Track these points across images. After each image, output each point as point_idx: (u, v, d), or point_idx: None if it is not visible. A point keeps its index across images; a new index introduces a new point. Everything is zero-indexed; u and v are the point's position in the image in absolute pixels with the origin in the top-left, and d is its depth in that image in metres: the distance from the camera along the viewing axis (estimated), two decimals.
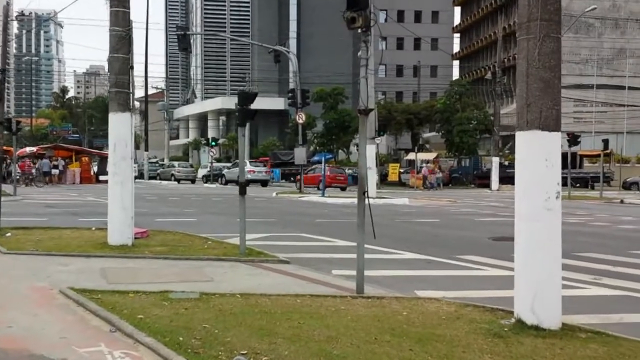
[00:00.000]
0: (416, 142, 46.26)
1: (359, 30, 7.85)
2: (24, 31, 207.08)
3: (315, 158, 47.40)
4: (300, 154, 29.32)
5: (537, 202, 5.81)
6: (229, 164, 48.75)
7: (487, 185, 39.87)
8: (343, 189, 37.43)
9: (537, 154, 5.85)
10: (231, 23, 75.68)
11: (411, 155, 44.82)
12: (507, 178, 41.42)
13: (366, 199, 7.79)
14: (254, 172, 41.51)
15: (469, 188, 43.71)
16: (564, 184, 32.61)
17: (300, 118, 29.45)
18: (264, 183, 42.52)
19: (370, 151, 24.65)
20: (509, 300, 7.21)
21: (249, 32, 72.10)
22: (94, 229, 12.70)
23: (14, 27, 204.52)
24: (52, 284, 7.54)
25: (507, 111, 56.06)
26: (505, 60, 46.37)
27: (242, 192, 10.33)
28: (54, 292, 7.14)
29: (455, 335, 5.58)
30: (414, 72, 72.47)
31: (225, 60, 78.26)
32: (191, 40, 70.81)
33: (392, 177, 42.90)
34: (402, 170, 45.15)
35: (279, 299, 7.01)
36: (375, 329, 5.75)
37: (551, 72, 5.85)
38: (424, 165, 41.88)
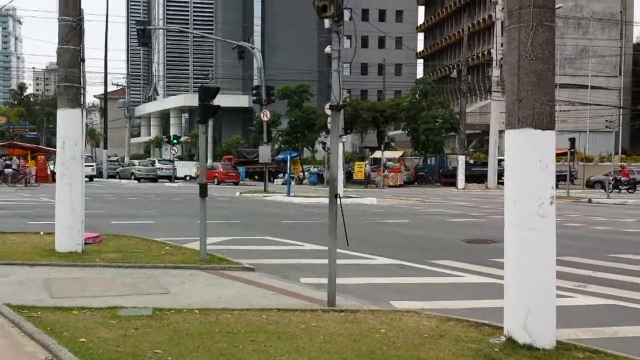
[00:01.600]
0: (382, 140, 45.89)
1: (331, 20, 7.19)
2: None
3: (280, 156, 46.69)
4: (265, 153, 28.56)
5: (529, 208, 5.24)
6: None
7: (454, 184, 39.72)
8: (236, 183, 43.25)
9: (530, 155, 5.28)
10: (194, 19, 74.25)
11: (377, 154, 44.43)
12: (473, 177, 41.45)
13: (338, 202, 7.11)
14: (162, 169, 49.26)
15: (435, 187, 43.52)
16: None
17: (265, 116, 28.67)
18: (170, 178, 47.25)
19: (339, 149, 24.00)
20: (492, 313, 6.68)
21: (212, 28, 70.84)
22: (42, 233, 11.78)
23: None
24: None
25: (473, 110, 56.25)
26: (470, 59, 46.34)
27: (203, 194, 9.59)
28: None
29: (441, 358, 4.97)
30: (379, 70, 72.23)
31: (189, 57, 76.80)
32: (153, 37, 69.43)
33: (358, 175, 42.46)
34: (367, 169, 44.79)
35: (242, 315, 6.32)
36: (352, 352, 5.10)
37: (545, 65, 5.30)
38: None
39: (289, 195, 25.85)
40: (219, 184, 42.93)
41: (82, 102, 9.71)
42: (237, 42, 30.66)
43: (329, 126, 23.43)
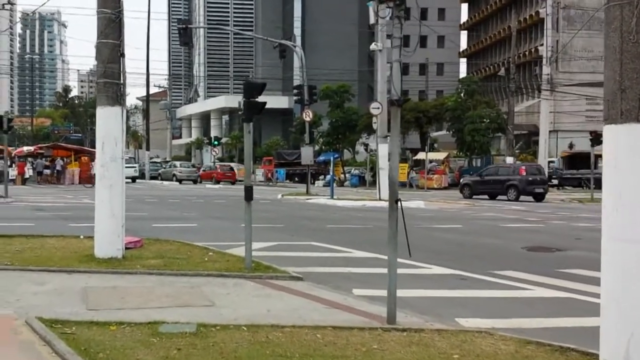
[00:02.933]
0: (425, 141, 44.83)
1: (391, 5, 6.47)
2: (28, 31, 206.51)
3: (321, 158, 46.08)
4: (307, 154, 27.93)
5: (636, 216, 4.44)
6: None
7: None
8: (233, 183, 45.08)
9: (636, 154, 4.48)
10: (234, 19, 74.31)
11: (420, 155, 43.42)
12: None
13: (399, 207, 6.40)
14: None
15: None
16: (588, 185, 30.74)
17: (308, 116, 28.04)
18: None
19: (383, 150, 23.30)
20: (573, 334, 5.91)
21: (252, 28, 70.73)
22: (82, 237, 11.35)
23: (18, 27, 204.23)
24: (19, 311, 6.20)
25: (519, 109, 54.66)
26: (516, 57, 44.93)
27: (249, 197, 8.98)
28: (19, 324, 5.79)
29: None
30: (420, 70, 71.06)
31: (229, 58, 76.95)
32: (194, 36, 69.60)
33: (401, 177, 41.46)
34: (409, 171, 43.78)
35: (294, 333, 5.67)
36: None
37: None
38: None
39: (331, 197, 25.17)
40: (217, 183, 45.49)
41: (121, 100, 9.22)
42: (279, 40, 30.14)
43: (374, 126, 22.68)
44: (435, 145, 50.47)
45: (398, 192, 6.58)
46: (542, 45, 46.04)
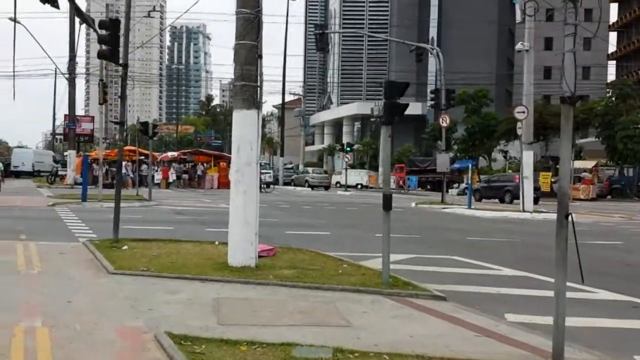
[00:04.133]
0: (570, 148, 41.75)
1: None
2: (176, 43, 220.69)
3: (456, 165, 44.39)
4: (443, 161, 26.74)
5: None
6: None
7: None
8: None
9: None
10: (369, 25, 74.14)
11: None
12: None
13: (569, 223, 5.41)
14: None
15: (634, 201, 38.61)
16: None
17: (445, 121, 26.86)
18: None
19: (528, 158, 21.67)
20: None
21: (387, 34, 70.13)
22: (217, 243, 11.24)
23: (167, 39, 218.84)
24: (149, 324, 5.93)
25: None
26: None
27: (387, 206, 8.27)
28: (147, 338, 5.50)
29: None
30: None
31: (362, 65, 76.95)
32: (329, 43, 70.30)
33: (544, 187, 38.86)
34: (553, 180, 40.93)
35: None
36: None
37: None
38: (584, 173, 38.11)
39: (469, 207, 23.84)
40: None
41: (258, 103, 8.89)
42: (416, 43, 29.23)
43: (518, 132, 21.06)
44: (582, 153, 46.98)
45: (568, 205, 5.58)
46: None
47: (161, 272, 8.51)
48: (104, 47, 10.72)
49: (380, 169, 57.02)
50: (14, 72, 29.61)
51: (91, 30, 14.06)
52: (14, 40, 26.50)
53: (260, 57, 8.94)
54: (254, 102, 8.90)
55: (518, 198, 27.61)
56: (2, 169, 25.18)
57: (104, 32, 10.63)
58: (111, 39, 10.48)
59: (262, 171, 10.65)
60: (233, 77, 9.09)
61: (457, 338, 6.07)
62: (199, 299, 7.13)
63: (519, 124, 21.92)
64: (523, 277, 9.77)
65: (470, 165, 26.79)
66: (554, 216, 18.85)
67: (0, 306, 6.38)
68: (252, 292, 7.69)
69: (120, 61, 10.54)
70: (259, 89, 8.98)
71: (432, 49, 29.02)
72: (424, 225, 17.73)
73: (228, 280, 8.24)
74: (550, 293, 8.19)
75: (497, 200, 32.81)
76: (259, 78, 8.96)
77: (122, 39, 11.02)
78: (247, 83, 8.84)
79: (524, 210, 21.40)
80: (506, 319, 7.08)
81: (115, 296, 7.12)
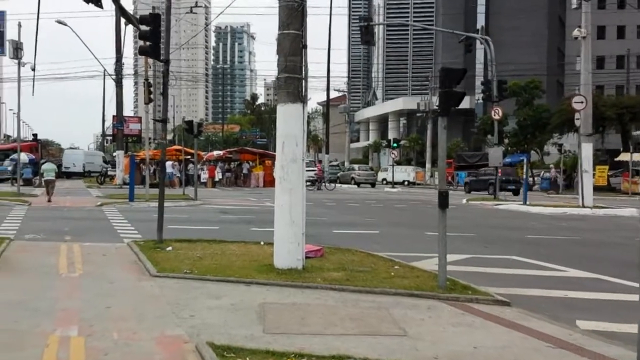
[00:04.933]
0: (627, 140, 39.91)
1: None
2: (221, 43, 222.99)
3: (507, 159, 43.03)
4: (496, 155, 25.76)
5: None
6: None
7: None
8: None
9: None
10: (414, 18, 72.98)
11: (622, 156, 38.75)
12: None
13: None
14: None
15: None
16: None
17: (497, 113, 25.85)
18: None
19: (587, 151, 20.59)
20: None
21: (432, 25, 68.87)
22: (262, 243, 10.85)
23: (212, 39, 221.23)
24: (191, 332, 5.53)
25: None
26: None
27: (444, 204, 7.69)
28: (188, 349, 5.09)
29: None
30: (617, 63, 64.18)
31: (407, 58, 75.83)
32: (375, 35, 69.49)
33: (600, 181, 37.30)
34: (610, 174, 39.28)
35: None
36: None
37: None
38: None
39: (524, 203, 22.84)
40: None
41: (303, 96, 8.41)
42: (467, 33, 28.27)
43: (576, 123, 20.01)
44: None
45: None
46: None
47: (205, 274, 8.14)
48: (145, 43, 10.45)
49: (427, 165, 55.98)
50: (34, 69, 29.76)
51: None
52: (36, 35, 26.71)
53: (305, 47, 8.47)
54: (299, 95, 8.44)
55: (501, 190, 30.67)
56: (56, 170, 25.42)
57: (145, 27, 10.37)
58: (152, 34, 10.20)
59: (307, 169, 10.26)
60: (277, 69, 8.63)
61: (527, 349, 5.49)
62: (244, 304, 6.71)
63: (576, 115, 20.84)
64: (592, 279, 9.05)
65: (525, 160, 25.68)
66: (615, 212, 17.93)
67: (37, 313, 6.09)
68: (300, 296, 7.23)
69: (162, 57, 10.23)
70: (303, 81, 8.51)
71: (483, 39, 27.96)
72: (477, 223, 16.97)
73: (274, 283, 7.81)
74: (626, 297, 7.53)
75: (484, 192, 34.90)
76: (303, 70, 8.49)
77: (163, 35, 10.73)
78: (292, 75, 8.38)
79: (583, 206, 20.35)
80: (579, 327, 6.45)
81: (157, 301, 6.76)
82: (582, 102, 20.64)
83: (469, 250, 11.40)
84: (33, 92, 31.44)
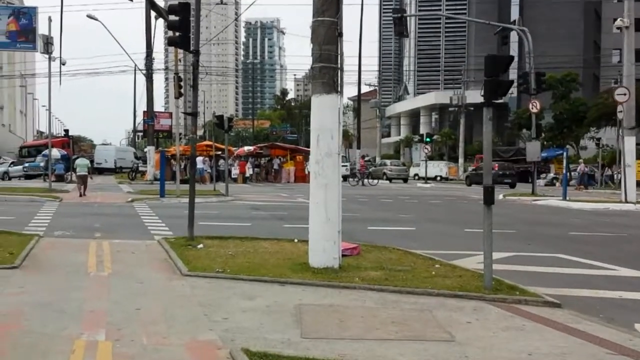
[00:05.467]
0: None
1: None
2: (250, 39, 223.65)
3: (543, 154, 42.01)
4: (533, 149, 24.99)
5: None
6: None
7: None
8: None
9: None
10: (447, 9, 71.82)
11: None
12: None
13: None
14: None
15: None
16: None
17: (534, 107, 25.07)
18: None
19: (630, 145, 19.79)
20: None
21: (465, 16, 67.70)
22: (296, 240, 10.51)
23: (242, 35, 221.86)
24: (224, 336, 5.21)
25: None
26: None
27: (489, 200, 7.24)
28: (221, 356, 4.77)
29: None
30: None
31: (439, 52, 74.74)
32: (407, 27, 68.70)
33: (638, 176, 36.17)
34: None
35: None
36: None
37: None
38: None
39: (564, 198, 22.10)
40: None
41: (339, 86, 8.03)
42: (503, 24, 27.49)
43: (619, 115, 19.26)
44: None
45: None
46: None
47: (237, 274, 7.82)
48: (174, 33, 10.16)
49: (460, 160, 55.05)
50: (64, 63, 29.74)
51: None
52: (61, 28, 26.61)
53: (341, 35, 8.08)
54: (334, 86, 8.05)
55: (497, 183, 32.14)
56: (89, 166, 25.54)
57: (173, 17, 10.10)
58: (181, 24, 9.91)
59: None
60: (311, 59, 8.24)
61: (586, 357, 5.04)
62: (279, 305, 6.37)
63: (619, 107, 20.04)
64: None
65: (565, 154, 24.87)
66: None
67: (64, 315, 5.82)
68: (337, 297, 6.86)
69: (192, 48, 9.94)
70: (339, 71, 8.12)
71: (521, 30, 27.13)
72: (517, 219, 16.38)
73: (309, 283, 7.45)
74: None
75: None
76: (339, 59, 8.10)
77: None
78: (327, 65, 7.99)
79: (626, 201, 19.56)
80: (638, 331, 5.99)
81: (188, 302, 6.46)
82: (625, 94, 19.83)
83: (511, 247, 10.90)
84: (60, 82, 31.40)
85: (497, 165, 38.07)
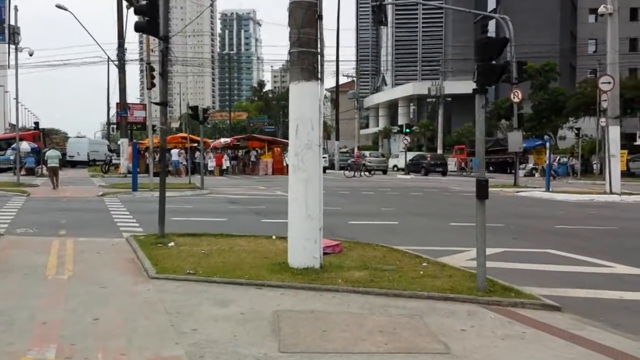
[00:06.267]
0: None
1: None
2: (227, 31, 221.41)
3: (523, 145, 41.87)
4: (515, 139, 24.65)
5: None
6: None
7: None
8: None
9: None
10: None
11: None
12: None
13: None
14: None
15: None
16: None
17: (517, 96, 24.70)
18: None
19: (614, 134, 19.48)
20: None
21: (442, 5, 67.34)
22: (274, 237, 9.92)
23: (217, 27, 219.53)
24: (192, 352, 4.62)
25: None
26: None
27: (483, 195, 6.73)
28: None
29: None
30: (631, 45, 62.43)
31: (417, 43, 74.35)
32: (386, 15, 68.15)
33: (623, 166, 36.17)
34: (629, 158, 38.11)
35: None
36: None
37: None
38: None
39: (547, 190, 21.77)
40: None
41: (319, 73, 7.42)
42: (484, 12, 27.07)
43: (603, 104, 18.90)
44: None
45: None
46: None
47: (210, 276, 7.21)
48: (143, 18, 9.47)
49: (438, 151, 54.80)
50: (16, 51, 28.50)
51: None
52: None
53: (321, 18, 7.46)
54: (314, 72, 7.45)
55: (430, 171, 41.50)
56: (60, 157, 24.65)
57: (142, 1, 9.41)
58: (148, 8, 9.20)
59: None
60: (288, 39, 7.59)
61: None
62: (255, 313, 5.77)
63: (603, 96, 19.70)
64: None
65: (547, 144, 24.54)
66: None
67: (12, 328, 5.17)
68: (319, 302, 6.29)
69: (160, 34, 9.25)
70: (319, 56, 7.51)
71: (502, 18, 26.71)
72: (501, 211, 15.95)
73: (289, 285, 6.87)
74: None
75: (418, 173, 42.71)
76: (319, 43, 7.49)
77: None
78: (306, 49, 7.38)
79: (611, 192, 19.27)
80: None
81: (154, 310, 5.82)
82: (609, 83, 19.47)
83: (499, 242, 10.41)
84: (17, 71, 29.81)
85: (430, 155, 45.74)
